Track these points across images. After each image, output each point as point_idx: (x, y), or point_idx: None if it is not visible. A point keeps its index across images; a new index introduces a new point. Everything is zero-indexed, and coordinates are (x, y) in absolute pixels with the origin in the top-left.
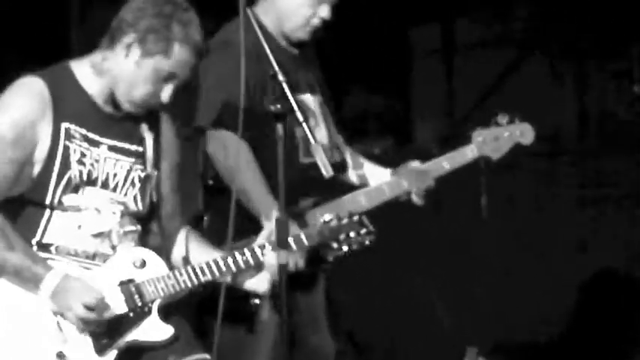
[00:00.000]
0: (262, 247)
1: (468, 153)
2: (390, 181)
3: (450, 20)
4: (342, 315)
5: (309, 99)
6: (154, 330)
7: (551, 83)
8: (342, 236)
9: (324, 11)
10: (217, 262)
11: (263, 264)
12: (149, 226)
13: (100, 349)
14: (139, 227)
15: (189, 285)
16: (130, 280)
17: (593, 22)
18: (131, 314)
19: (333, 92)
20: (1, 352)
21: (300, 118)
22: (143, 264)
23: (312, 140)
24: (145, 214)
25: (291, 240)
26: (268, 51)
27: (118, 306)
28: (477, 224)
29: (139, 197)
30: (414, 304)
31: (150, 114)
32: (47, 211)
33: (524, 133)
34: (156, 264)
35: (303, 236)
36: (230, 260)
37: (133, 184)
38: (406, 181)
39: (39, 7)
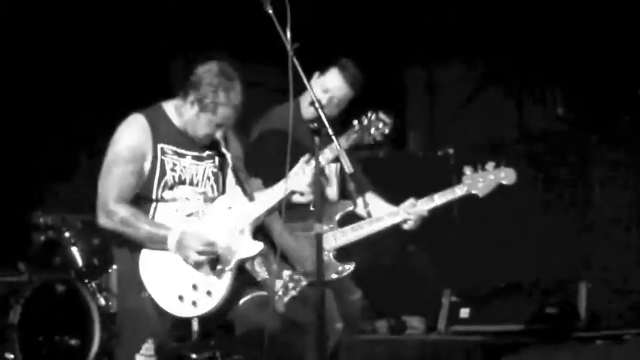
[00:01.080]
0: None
1: (457, 191)
2: (390, 212)
3: (430, 64)
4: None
5: (329, 166)
6: (250, 247)
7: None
8: (366, 135)
9: (326, 100)
10: (279, 186)
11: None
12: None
13: (219, 274)
14: None
15: (269, 206)
16: (227, 219)
17: (529, 59)
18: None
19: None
20: (157, 292)
21: (331, 131)
22: (231, 206)
23: (337, 145)
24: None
25: (349, 165)
26: (320, 110)
27: (222, 239)
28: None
29: (214, 186)
30: (405, 263)
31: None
32: (153, 204)
33: (507, 176)
34: (242, 202)
35: (336, 143)
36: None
37: (208, 177)
38: (403, 212)
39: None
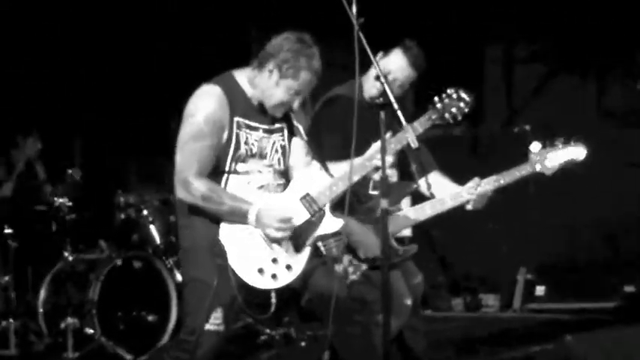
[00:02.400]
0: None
1: (523, 170)
2: (453, 193)
3: (509, 42)
4: (438, 247)
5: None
6: (330, 224)
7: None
8: (447, 114)
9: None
10: (362, 164)
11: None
12: (295, 165)
13: (298, 248)
14: (284, 180)
15: (345, 185)
16: (307, 194)
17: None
18: (313, 218)
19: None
20: (237, 266)
21: (396, 106)
22: (313, 180)
23: (403, 121)
24: (284, 170)
25: (415, 140)
26: (384, 81)
27: (303, 214)
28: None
29: (282, 159)
30: (487, 244)
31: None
32: (226, 175)
33: (576, 151)
34: (321, 177)
35: (417, 124)
36: (369, 161)
37: (276, 150)
38: (467, 193)
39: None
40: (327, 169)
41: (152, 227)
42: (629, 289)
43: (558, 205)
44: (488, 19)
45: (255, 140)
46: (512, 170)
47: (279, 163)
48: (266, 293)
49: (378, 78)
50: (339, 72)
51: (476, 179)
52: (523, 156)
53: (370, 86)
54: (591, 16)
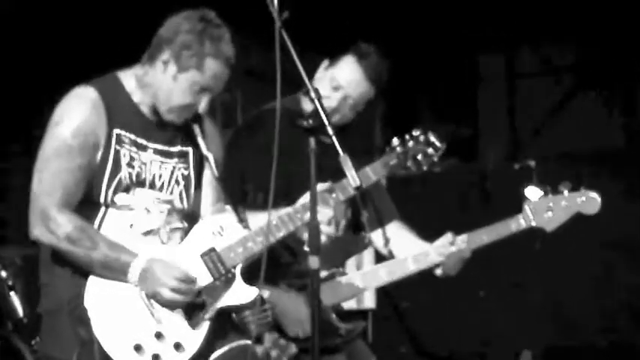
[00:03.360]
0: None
1: (512, 224)
2: (418, 253)
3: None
4: (409, 321)
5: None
6: (241, 293)
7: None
8: (409, 162)
9: (337, 100)
10: (291, 216)
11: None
12: (203, 206)
13: (194, 323)
14: (185, 224)
15: (266, 244)
16: (211, 250)
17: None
18: (217, 283)
19: (408, 123)
20: (108, 339)
21: (331, 131)
22: (221, 230)
23: (340, 152)
24: (190, 212)
25: (355, 176)
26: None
27: (204, 277)
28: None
29: (184, 194)
30: (474, 314)
31: (195, 117)
32: (102, 209)
33: (588, 201)
34: (233, 229)
35: (369, 171)
36: (301, 211)
37: (177, 182)
38: (435, 252)
39: None
40: (242, 218)
41: (13, 295)
42: None
43: (572, 264)
44: (483, 22)
45: (144, 163)
46: (500, 225)
47: (180, 200)
48: None
49: (307, 93)
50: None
51: (448, 235)
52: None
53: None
54: (617, 19)
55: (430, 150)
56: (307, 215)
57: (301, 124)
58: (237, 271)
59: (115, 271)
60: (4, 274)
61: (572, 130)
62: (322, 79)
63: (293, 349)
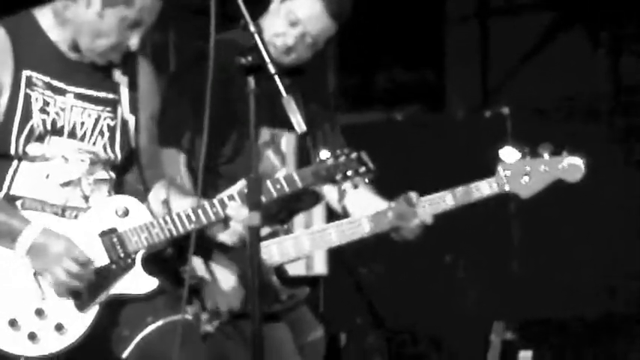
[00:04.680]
0: (230, 198)
1: (484, 187)
2: (374, 213)
3: None
4: (368, 289)
5: (283, 135)
6: (138, 282)
7: (586, 50)
8: (338, 176)
9: (292, 38)
10: (205, 208)
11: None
12: (125, 176)
13: (81, 305)
14: (112, 175)
15: (175, 233)
16: (112, 230)
17: None
18: (113, 266)
19: (366, 67)
20: None
21: (272, 69)
22: (126, 212)
23: (283, 93)
24: (119, 163)
25: (300, 121)
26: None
27: (99, 258)
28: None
29: (108, 148)
30: (441, 281)
31: (125, 58)
32: (14, 162)
33: (570, 169)
34: (140, 212)
35: (296, 177)
36: (218, 205)
37: (101, 133)
38: (394, 214)
39: None
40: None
41: None
42: None
43: (552, 230)
44: None
45: (61, 109)
46: (468, 188)
47: (105, 151)
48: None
49: (245, 27)
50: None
51: (410, 195)
52: (496, 157)
53: (267, 40)
54: None
55: (362, 169)
56: (220, 216)
57: (239, 61)
58: (139, 257)
59: (2, 234)
60: None
61: (551, 74)
62: (277, 12)
63: (225, 314)
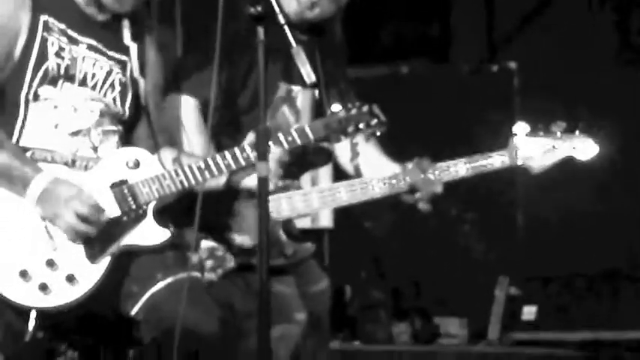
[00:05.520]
0: (242, 149)
1: (497, 160)
2: (386, 176)
3: None
4: (373, 243)
5: (299, 92)
6: (149, 233)
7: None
8: (350, 128)
9: None
10: (215, 160)
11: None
12: (135, 132)
13: (93, 256)
14: (120, 128)
15: (187, 185)
16: (123, 182)
17: None
18: (124, 218)
19: (370, 21)
20: None
21: (282, 20)
22: (137, 164)
23: (292, 44)
24: (127, 118)
25: (310, 72)
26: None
27: (110, 209)
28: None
29: (118, 101)
30: (447, 235)
31: (135, 24)
32: (22, 108)
33: (582, 147)
34: (151, 164)
35: (307, 129)
36: (228, 157)
37: (112, 86)
38: (406, 180)
39: None
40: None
41: None
42: None
43: (557, 184)
44: None
45: (74, 58)
46: (480, 158)
47: (114, 104)
48: (25, 311)
49: None
50: None
51: (424, 162)
52: (503, 112)
53: None
54: None
55: (374, 121)
56: (231, 167)
57: (248, 11)
58: (150, 209)
59: (15, 180)
60: None
61: (558, 28)
62: None
63: (230, 262)
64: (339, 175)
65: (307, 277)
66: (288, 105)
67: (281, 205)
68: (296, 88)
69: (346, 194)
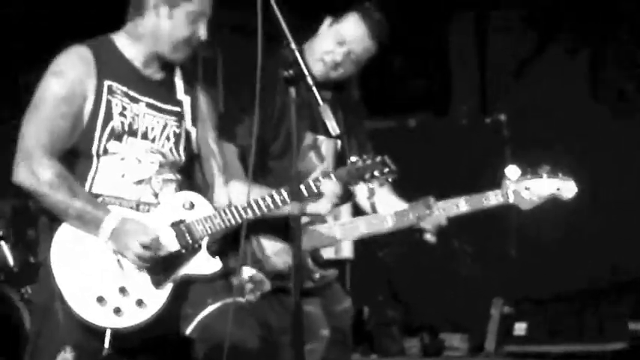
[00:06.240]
0: (316, 180)
1: (492, 198)
2: (397, 212)
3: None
4: (387, 271)
5: (323, 141)
6: (204, 264)
7: (568, 63)
8: (367, 175)
9: (340, 55)
10: (257, 202)
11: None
12: (189, 178)
13: (157, 283)
14: (178, 176)
15: (234, 223)
16: (181, 221)
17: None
18: (183, 251)
19: (379, 79)
20: (71, 288)
21: (310, 81)
22: (192, 206)
23: (319, 102)
24: (183, 165)
25: (335, 125)
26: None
27: (171, 244)
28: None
29: (174, 150)
30: (450, 263)
31: (186, 80)
32: (94, 161)
33: (564, 187)
34: (203, 205)
35: (332, 176)
36: (268, 199)
37: (168, 138)
38: (414, 215)
39: None
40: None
41: (3, 245)
42: (634, 326)
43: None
44: None
45: (136, 114)
46: (478, 197)
47: (171, 153)
48: (101, 331)
49: (287, 45)
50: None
51: (429, 199)
52: (496, 157)
53: (316, 58)
54: None
55: (386, 170)
56: (271, 207)
57: (282, 74)
58: (204, 243)
59: (89, 222)
60: None
61: (540, 84)
62: (326, 34)
63: (267, 286)
64: (357, 212)
65: (332, 298)
66: (314, 152)
67: (309, 236)
68: (321, 138)
69: (364, 227)
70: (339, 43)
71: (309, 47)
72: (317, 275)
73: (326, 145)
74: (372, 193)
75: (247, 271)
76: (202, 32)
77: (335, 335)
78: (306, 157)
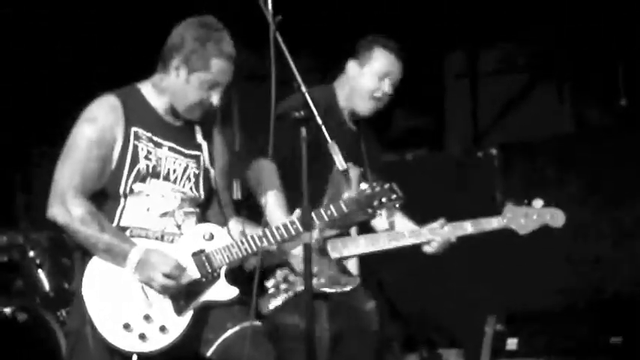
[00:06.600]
0: (292, 223)
1: (494, 222)
2: (414, 229)
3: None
4: (387, 288)
5: (350, 167)
6: (222, 291)
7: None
8: (375, 202)
9: (387, 86)
10: (272, 231)
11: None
12: (207, 212)
13: (179, 310)
14: (197, 210)
15: (250, 251)
16: (201, 251)
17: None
18: (203, 279)
19: (377, 117)
20: (100, 316)
21: (320, 121)
22: (211, 237)
23: (328, 139)
24: (203, 201)
25: (342, 161)
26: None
27: (192, 273)
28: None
29: (194, 188)
30: (447, 282)
31: (204, 126)
32: (122, 200)
33: (554, 217)
34: (222, 236)
35: (342, 204)
36: (282, 228)
37: (189, 178)
38: (428, 233)
39: None
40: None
41: (40, 272)
42: (615, 340)
43: (533, 240)
44: (448, 22)
45: (159, 158)
46: (483, 221)
47: (191, 191)
48: (128, 356)
49: (298, 88)
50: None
51: (441, 221)
52: (487, 185)
53: (366, 98)
54: (569, 21)
55: (394, 196)
56: (285, 237)
57: (293, 115)
58: (222, 271)
59: (116, 255)
60: (32, 253)
61: (528, 120)
62: (360, 77)
63: (300, 286)
64: (362, 230)
65: (361, 299)
66: (344, 177)
67: (336, 247)
68: (348, 164)
69: (385, 241)
70: (380, 78)
71: (341, 87)
72: (343, 281)
73: (352, 172)
74: (391, 213)
75: (281, 272)
76: (215, 100)
77: (364, 335)
78: (336, 180)
